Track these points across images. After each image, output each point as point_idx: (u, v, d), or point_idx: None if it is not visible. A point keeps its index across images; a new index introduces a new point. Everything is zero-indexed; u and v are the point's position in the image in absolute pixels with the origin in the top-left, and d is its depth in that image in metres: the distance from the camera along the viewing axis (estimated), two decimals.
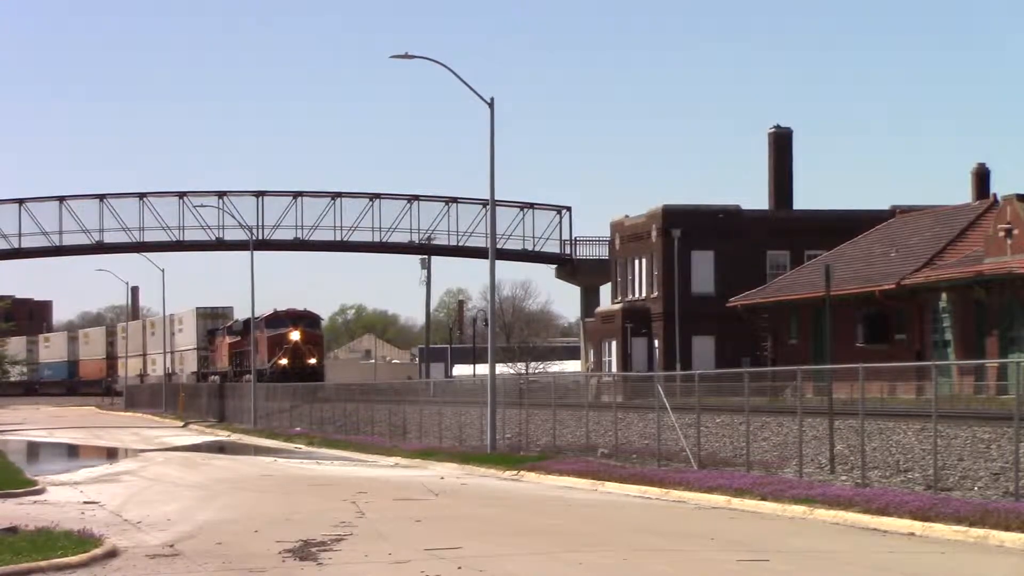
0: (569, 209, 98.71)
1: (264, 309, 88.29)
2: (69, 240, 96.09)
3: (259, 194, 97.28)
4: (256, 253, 79.10)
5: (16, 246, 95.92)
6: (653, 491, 31.41)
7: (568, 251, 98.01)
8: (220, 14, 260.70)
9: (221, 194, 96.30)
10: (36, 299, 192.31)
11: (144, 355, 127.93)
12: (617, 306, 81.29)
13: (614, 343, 79.70)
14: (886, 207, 75.01)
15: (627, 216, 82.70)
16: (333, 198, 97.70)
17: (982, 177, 69.76)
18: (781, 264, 75.77)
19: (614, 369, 77.31)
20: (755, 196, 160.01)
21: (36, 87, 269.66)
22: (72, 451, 61.28)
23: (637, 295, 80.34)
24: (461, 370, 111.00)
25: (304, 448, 57.96)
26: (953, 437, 30.74)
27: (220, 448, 61.34)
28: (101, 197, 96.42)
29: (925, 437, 31.00)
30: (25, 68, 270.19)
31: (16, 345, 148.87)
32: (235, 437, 70.78)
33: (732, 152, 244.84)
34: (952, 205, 65.97)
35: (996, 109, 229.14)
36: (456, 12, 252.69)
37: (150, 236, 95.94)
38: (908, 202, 75.29)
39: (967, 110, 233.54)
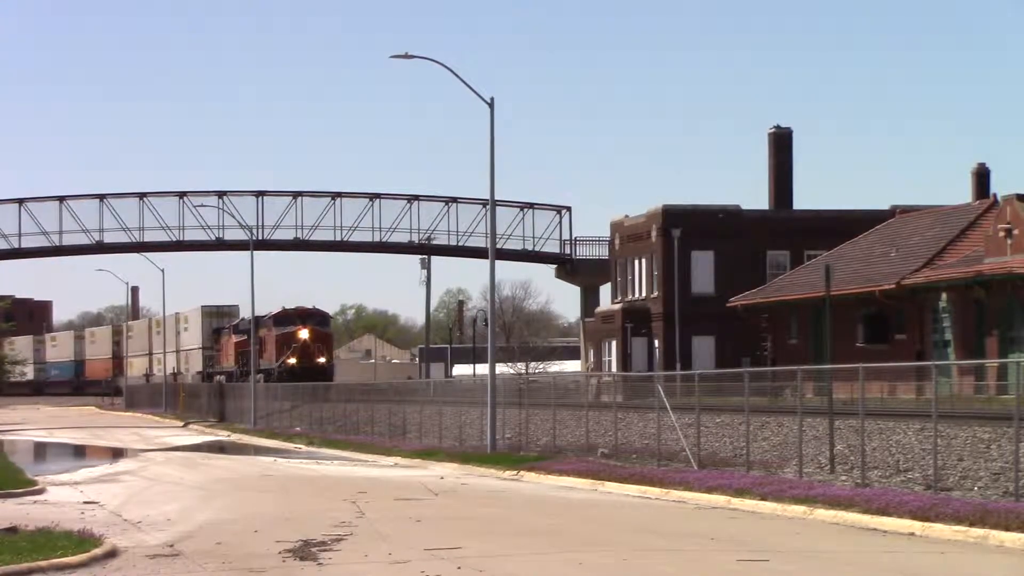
0: (569, 209, 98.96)
1: (263, 310, 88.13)
2: (69, 240, 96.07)
3: (259, 194, 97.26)
4: (256, 253, 79.01)
5: (16, 246, 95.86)
6: (653, 491, 31.42)
7: (568, 251, 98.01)
8: (220, 14, 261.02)
9: (221, 194, 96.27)
10: (36, 299, 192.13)
11: (150, 354, 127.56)
12: (617, 306, 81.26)
13: (614, 343, 79.68)
14: (886, 207, 74.96)
15: (627, 216, 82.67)
16: (333, 198, 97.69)
17: (982, 177, 69.82)
18: (781, 264, 75.74)
19: (614, 369, 77.24)
20: (755, 196, 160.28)
21: (36, 87, 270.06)
22: (72, 451, 61.22)
23: (637, 295, 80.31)
24: (461, 370, 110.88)
25: (304, 448, 57.94)
26: (953, 437, 30.72)
27: (220, 448, 61.31)
28: (101, 197, 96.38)
29: (925, 437, 30.99)
30: (25, 68, 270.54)
31: (23, 345, 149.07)
32: (235, 437, 70.74)
33: (732, 152, 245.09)
34: (952, 205, 65.93)
35: (996, 109, 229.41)
36: (456, 12, 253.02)
37: (150, 236, 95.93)
38: (908, 202, 75.26)
39: (967, 110, 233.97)
